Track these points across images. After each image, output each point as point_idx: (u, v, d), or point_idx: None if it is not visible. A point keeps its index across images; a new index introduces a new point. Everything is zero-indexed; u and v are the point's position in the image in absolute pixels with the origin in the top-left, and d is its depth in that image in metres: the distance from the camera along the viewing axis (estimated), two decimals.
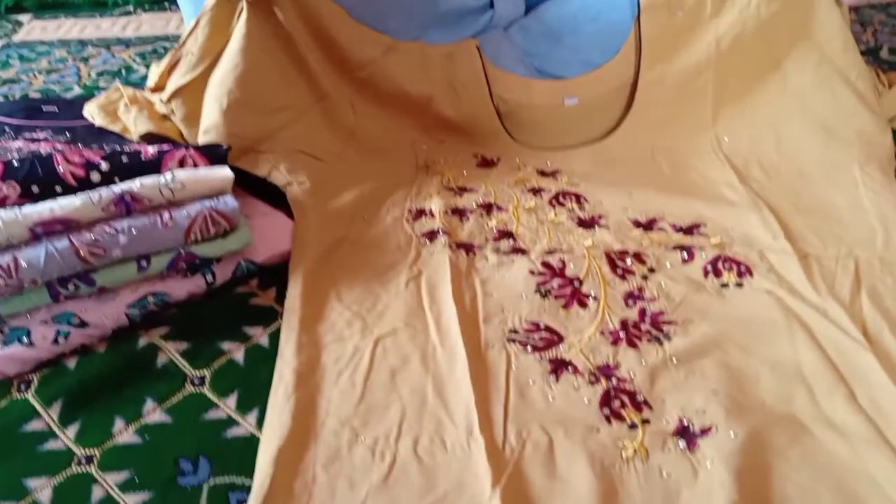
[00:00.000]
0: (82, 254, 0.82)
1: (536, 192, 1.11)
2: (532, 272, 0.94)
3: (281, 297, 0.90)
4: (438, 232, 1.01)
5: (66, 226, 0.82)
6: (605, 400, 0.77)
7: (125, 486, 0.69)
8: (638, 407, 0.76)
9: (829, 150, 1.09)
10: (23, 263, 0.79)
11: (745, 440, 0.70)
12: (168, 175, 0.88)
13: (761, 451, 0.70)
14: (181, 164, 0.92)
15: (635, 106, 1.20)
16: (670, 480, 0.68)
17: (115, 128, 1.13)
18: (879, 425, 0.72)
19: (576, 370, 0.80)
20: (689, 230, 1.01)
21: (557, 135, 1.22)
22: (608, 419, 0.75)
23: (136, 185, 0.87)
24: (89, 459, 0.72)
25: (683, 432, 0.73)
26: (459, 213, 1.06)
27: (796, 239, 0.97)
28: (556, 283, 0.93)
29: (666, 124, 1.19)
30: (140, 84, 1.34)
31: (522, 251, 0.98)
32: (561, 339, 0.85)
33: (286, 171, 1.06)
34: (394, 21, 1.15)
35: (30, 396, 0.78)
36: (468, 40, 1.21)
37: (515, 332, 0.85)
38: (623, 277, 0.93)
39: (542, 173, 1.16)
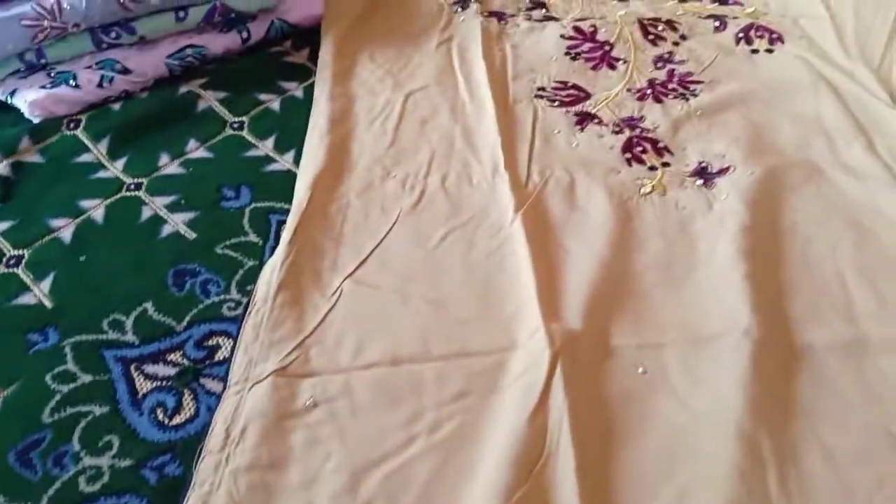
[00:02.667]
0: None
1: None
2: (563, 36, 0.94)
3: (314, 57, 0.92)
4: (471, 0, 1.00)
5: None
6: (628, 146, 0.79)
7: (172, 207, 0.74)
8: (659, 152, 0.78)
9: None
10: (66, 6, 0.81)
11: (760, 177, 0.73)
12: None
13: (776, 187, 0.73)
14: None
15: None
16: (685, 211, 0.72)
17: None
18: (894, 170, 0.74)
19: (601, 122, 0.82)
20: None
21: None
22: (629, 162, 0.77)
23: None
24: (138, 186, 0.77)
25: (702, 172, 0.76)
26: None
27: None
28: (586, 46, 0.93)
29: None
30: None
31: (554, 19, 0.98)
32: (588, 95, 0.86)
33: None
34: None
35: (79, 133, 0.82)
36: None
37: (543, 89, 0.87)
38: (654, 43, 0.93)
39: None
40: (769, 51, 0.91)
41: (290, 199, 0.74)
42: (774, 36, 0.93)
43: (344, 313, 0.64)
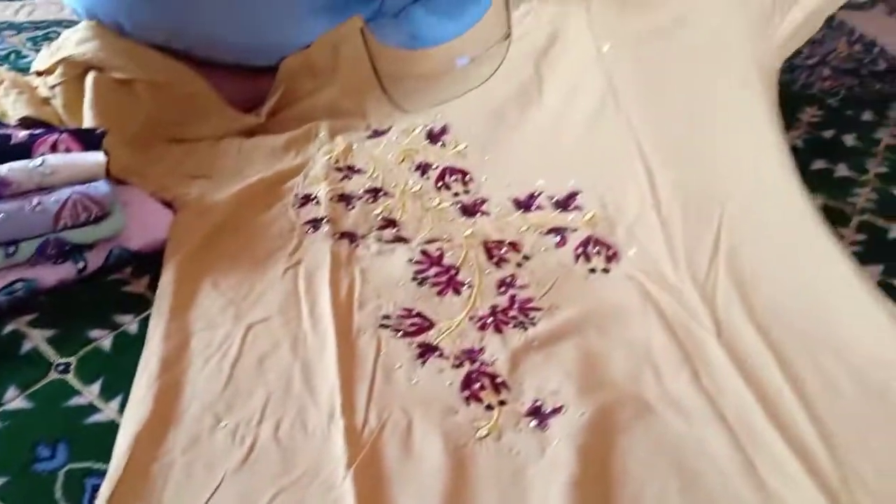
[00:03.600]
0: None
1: (424, 170, 1.12)
2: (411, 260, 0.96)
3: (154, 285, 0.90)
4: (322, 220, 1.02)
5: None
6: (467, 383, 0.79)
7: None
8: (497, 389, 0.79)
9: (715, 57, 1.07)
10: None
11: (591, 418, 0.74)
12: (39, 160, 0.88)
13: (606, 428, 0.74)
14: (53, 148, 0.91)
15: (515, 34, 1.21)
16: (519, 458, 0.71)
17: None
18: (717, 403, 0.76)
19: (442, 354, 0.83)
20: (566, 203, 1.03)
21: (447, 90, 1.24)
22: (467, 400, 0.77)
23: (4, 169, 0.86)
24: None
25: (536, 412, 0.76)
26: (346, 199, 1.07)
27: (666, 193, 0.99)
28: (433, 271, 0.95)
29: (547, 40, 1.18)
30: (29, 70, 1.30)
31: (404, 240, 1.00)
32: (432, 324, 0.87)
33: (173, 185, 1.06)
34: (274, 19, 1.16)
35: None
36: (353, 20, 1.23)
37: (388, 318, 0.87)
38: (498, 265, 0.96)
39: (431, 136, 1.17)
40: (605, 270, 0.95)
41: (109, 458, 0.69)
42: (611, 252, 0.97)
43: None
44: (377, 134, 1.19)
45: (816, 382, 0.78)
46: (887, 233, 1.08)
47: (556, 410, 0.76)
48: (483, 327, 0.86)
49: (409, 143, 1.17)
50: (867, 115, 1.44)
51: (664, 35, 1.09)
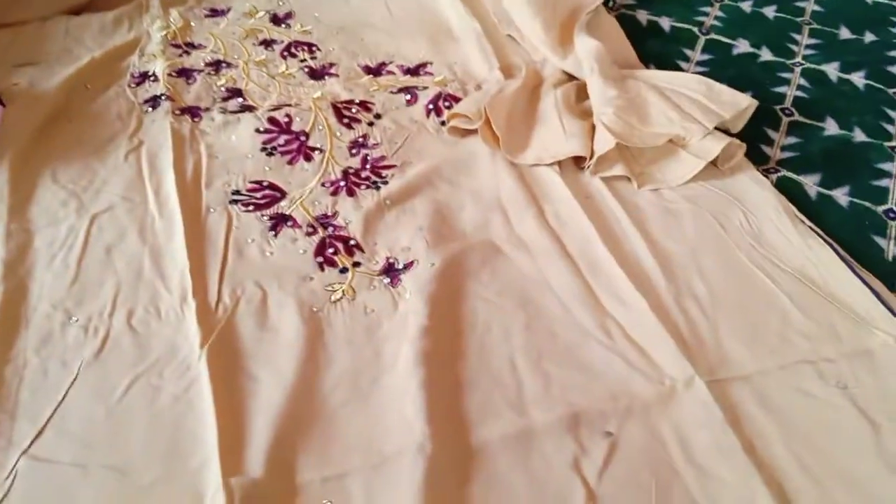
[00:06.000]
0: None
1: (268, 44, 1.09)
2: (258, 130, 0.94)
3: None
4: (161, 98, 0.97)
5: None
6: (321, 249, 0.80)
7: None
8: (350, 251, 0.80)
9: None
10: None
11: (440, 268, 0.76)
12: None
13: (456, 276, 0.76)
14: None
15: None
16: (373, 315, 0.74)
17: None
18: (560, 237, 0.80)
19: (295, 224, 0.83)
20: (415, 71, 1.03)
21: None
22: (321, 266, 0.78)
23: None
24: None
25: (388, 270, 0.78)
26: (186, 73, 1.03)
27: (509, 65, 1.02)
28: (282, 139, 0.93)
29: None
30: None
31: (251, 108, 0.97)
32: (284, 195, 0.86)
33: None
34: None
35: None
36: None
37: (238, 192, 0.86)
38: (349, 126, 0.95)
39: (276, 19, 1.13)
40: None
41: None
42: None
43: (20, 500, 0.60)
44: (216, 13, 1.13)
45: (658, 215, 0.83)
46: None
47: (408, 266, 0.78)
48: (336, 191, 0.86)
49: (253, 24, 1.12)
50: None
51: None
